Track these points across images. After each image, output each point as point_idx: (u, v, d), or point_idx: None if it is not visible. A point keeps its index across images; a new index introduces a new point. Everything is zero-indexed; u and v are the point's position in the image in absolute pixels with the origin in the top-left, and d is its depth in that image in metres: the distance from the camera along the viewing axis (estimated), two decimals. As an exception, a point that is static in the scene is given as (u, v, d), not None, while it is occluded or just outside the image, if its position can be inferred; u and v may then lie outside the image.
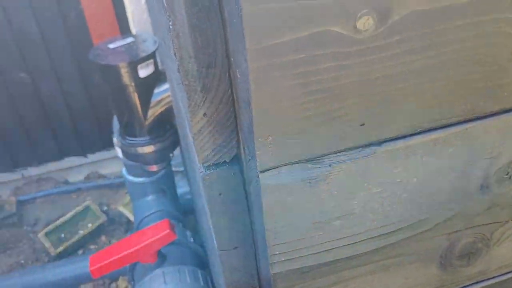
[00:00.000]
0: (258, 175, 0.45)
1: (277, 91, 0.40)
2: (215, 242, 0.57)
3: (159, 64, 1.20)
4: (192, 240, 1.42)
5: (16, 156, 1.98)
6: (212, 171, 0.51)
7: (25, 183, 2.07)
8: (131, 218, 1.97)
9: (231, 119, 0.48)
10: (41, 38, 1.78)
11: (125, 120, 1.23)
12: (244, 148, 0.49)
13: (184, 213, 1.64)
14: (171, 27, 0.42)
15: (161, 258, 1.28)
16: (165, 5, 0.41)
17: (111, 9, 1.77)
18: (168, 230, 1.23)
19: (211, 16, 0.42)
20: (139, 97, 1.17)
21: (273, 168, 0.45)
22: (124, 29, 1.79)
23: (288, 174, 0.46)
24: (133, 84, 1.14)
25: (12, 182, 2.04)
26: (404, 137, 0.47)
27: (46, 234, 1.87)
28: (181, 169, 1.93)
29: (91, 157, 2.08)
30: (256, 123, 0.41)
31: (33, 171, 2.04)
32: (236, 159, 0.52)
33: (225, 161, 0.51)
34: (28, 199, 2.01)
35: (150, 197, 1.50)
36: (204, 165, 0.51)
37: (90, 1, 1.76)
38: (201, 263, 1.36)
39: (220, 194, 0.53)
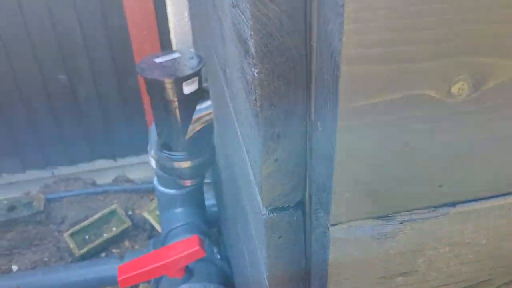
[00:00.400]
0: (328, 227, 0.44)
1: (361, 149, 0.39)
2: (267, 283, 0.56)
3: (203, 81, 1.21)
4: (218, 256, 1.41)
5: (48, 154, 2.02)
6: (275, 214, 0.50)
7: (54, 181, 2.10)
8: (155, 225, 1.98)
9: (301, 167, 0.47)
10: (83, 42, 1.82)
11: (164, 133, 1.23)
12: (311, 196, 0.49)
13: (209, 224, 1.64)
14: (256, 75, 0.41)
15: (188, 273, 1.28)
16: (253, 53, 0.40)
17: (153, 19, 1.79)
18: (197, 247, 1.23)
19: (297, 67, 0.41)
20: (181, 113, 1.18)
21: (345, 223, 0.44)
22: (164, 39, 1.81)
23: (358, 229, 0.45)
24: (176, 100, 1.15)
25: (42, 179, 2.07)
26: (480, 199, 0.46)
27: (72, 235, 1.89)
28: (208, 181, 1.94)
29: (120, 161, 2.10)
30: (335, 180, 0.40)
31: (63, 170, 2.07)
32: (300, 204, 0.51)
33: (289, 205, 0.50)
34: (56, 197, 2.03)
35: (179, 209, 1.50)
36: (268, 208, 0.50)
37: (133, 9, 1.79)
38: (227, 281, 1.35)
39: (279, 238, 0.52)
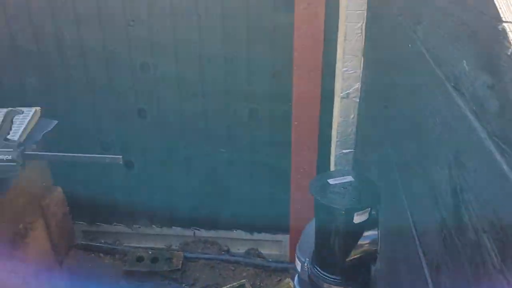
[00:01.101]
0: None
1: None
2: None
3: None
4: None
5: (194, 216, 2.15)
6: None
7: (194, 241, 2.22)
8: (279, 309, 1.96)
9: None
10: (248, 121, 1.94)
11: (323, 253, 1.22)
12: None
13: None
14: None
15: None
16: None
17: (317, 114, 1.83)
18: None
19: None
20: (345, 239, 1.16)
21: None
22: (324, 130, 1.83)
23: None
24: (344, 227, 1.13)
25: (184, 237, 2.21)
26: None
27: (201, 301, 1.96)
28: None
29: (256, 235, 2.16)
30: None
31: (203, 233, 2.19)
32: None
33: None
34: (193, 257, 2.15)
35: (314, 316, 1.46)
36: None
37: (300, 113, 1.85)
38: None
39: None
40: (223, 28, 1.78)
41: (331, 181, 1.20)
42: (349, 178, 1.22)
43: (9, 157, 1.29)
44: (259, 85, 1.86)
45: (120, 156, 1.28)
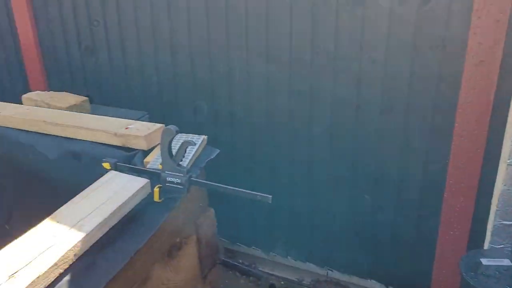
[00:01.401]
0: None
1: None
2: None
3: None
4: None
5: (329, 255, 2.16)
6: None
7: (326, 280, 2.23)
8: None
9: None
10: (397, 178, 1.89)
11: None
12: None
13: None
14: None
15: None
16: None
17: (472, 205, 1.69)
18: None
19: None
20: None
21: None
22: (481, 196, 1.68)
23: None
24: (495, 316, 1.02)
25: (316, 275, 2.24)
26: None
27: None
28: None
29: (391, 290, 2.07)
30: None
31: (336, 274, 2.18)
32: None
33: None
34: (322, 297, 2.16)
35: None
36: None
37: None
38: None
39: None
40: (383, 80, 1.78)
41: (484, 261, 1.11)
42: (506, 262, 1.10)
43: (179, 181, 1.50)
44: (414, 140, 1.80)
45: (270, 196, 1.37)
